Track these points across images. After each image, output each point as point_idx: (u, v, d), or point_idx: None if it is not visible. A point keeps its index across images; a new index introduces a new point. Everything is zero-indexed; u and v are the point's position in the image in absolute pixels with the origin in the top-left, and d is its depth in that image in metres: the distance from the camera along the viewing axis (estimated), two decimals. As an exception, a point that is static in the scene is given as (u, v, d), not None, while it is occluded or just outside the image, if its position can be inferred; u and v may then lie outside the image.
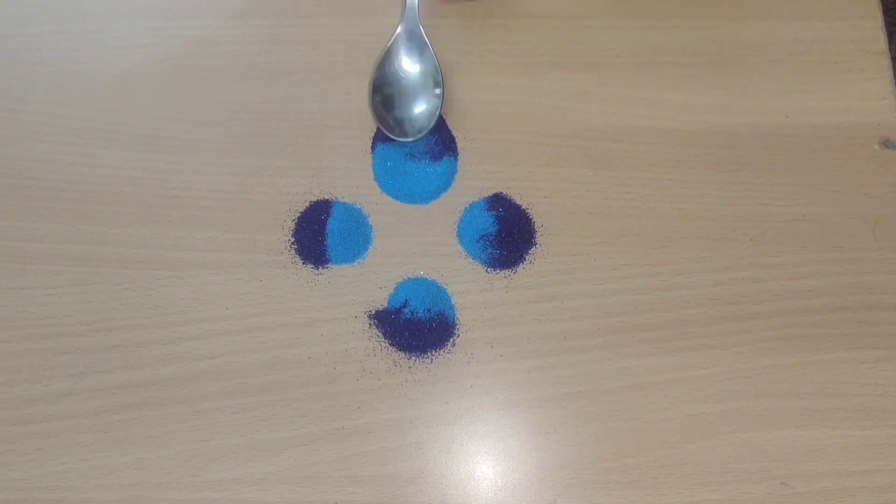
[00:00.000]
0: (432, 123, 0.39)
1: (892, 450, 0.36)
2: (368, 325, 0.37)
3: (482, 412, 0.36)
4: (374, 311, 0.37)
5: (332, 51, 0.42)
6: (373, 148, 0.40)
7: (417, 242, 0.38)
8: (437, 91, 0.39)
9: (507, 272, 0.38)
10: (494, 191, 0.39)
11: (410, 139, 0.39)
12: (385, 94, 0.40)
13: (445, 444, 0.36)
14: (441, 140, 0.40)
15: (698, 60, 0.42)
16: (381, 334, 0.37)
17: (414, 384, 0.36)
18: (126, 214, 0.39)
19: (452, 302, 0.37)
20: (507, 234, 0.38)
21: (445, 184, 0.39)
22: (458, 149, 0.40)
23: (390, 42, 0.40)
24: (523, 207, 0.39)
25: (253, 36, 0.42)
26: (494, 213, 0.39)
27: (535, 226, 0.39)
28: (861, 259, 0.38)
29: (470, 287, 0.38)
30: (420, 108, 0.39)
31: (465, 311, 0.37)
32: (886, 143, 0.40)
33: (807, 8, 0.42)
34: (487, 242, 0.38)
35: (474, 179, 0.39)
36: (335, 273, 0.38)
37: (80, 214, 0.39)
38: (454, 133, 0.40)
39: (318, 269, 0.38)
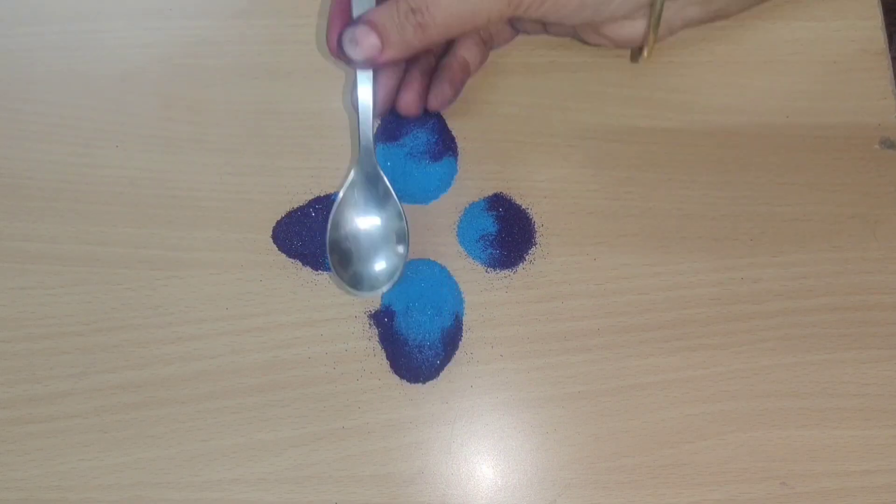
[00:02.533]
0: (393, 280, 0.35)
1: (892, 450, 0.36)
2: (368, 325, 0.37)
3: (482, 412, 0.36)
4: (373, 311, 0.37)
5: (332, 51, 0.42)
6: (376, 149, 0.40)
7: (417, 242, 0.38)
8: (401, 249, 0.35)
9: (507, 272, 0.38)
10: (494, 191, 0.39)
11: (366, 293, 0.35)
12: (342, 252, 0.35)
13: (445, 444, 0.36)
14: (441, 140, 0.40)
15: (698, 60, 0.42)
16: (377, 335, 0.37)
17: (414, 384, 0.36)
18: (126, 214, 0.39)
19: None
20: (507, 234, 0.38)
21: (445, 184, 0.39)
22: (458, 149, 0.40)
23: (343, 191, 0.35)
24: (523, 207, 0.39)
25: (253, 36, 0.42)
26: (494, 213, 0.39)
27: (535, 226, 0.39)
28: (861, 259, 0.38)
29: (470, 287, 0.38)
30: (380, 265, 0.35)
31: (466, 311, 0.37)
32: (886, 143, 0.40)
33: (807, 8, 0.42)
34: (487, 242, 0.38)
35: (474, 179, 0.39)
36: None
37: (80, 214, 0.39)
38: (454, 133, 0.40)
39: (317, 270, 0.38)
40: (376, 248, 0.35)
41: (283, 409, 0.36)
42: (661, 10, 0.31)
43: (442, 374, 0.37)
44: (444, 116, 0.40)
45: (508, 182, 0.39)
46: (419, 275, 0.37)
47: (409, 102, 0.36)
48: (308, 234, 0.38)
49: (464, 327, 0.37)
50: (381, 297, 0.37)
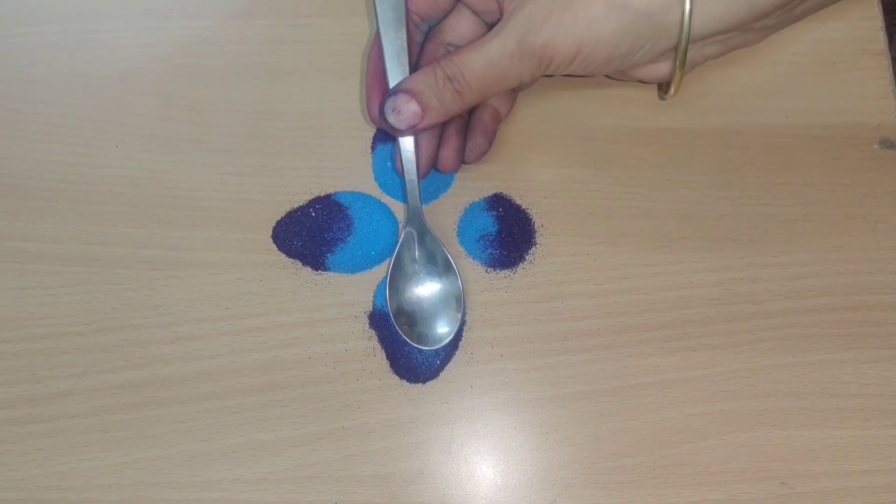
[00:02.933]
0: (448, 339, 0.36)
1: (892, 450, 0.36)
2: (368, 325, 0.37)
3: (482, 412, 0.36)
4: (372, 312, 0.37)
5: (332, 51, 0.42)
6: (373, 148, 0.40)
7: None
8: (459, 315, 0.36)
9: (507, 272, 0.38)
10: (494, 191, 0.39)
11: (428, 348, 0.36)
12: (407, 315, 0.36)
13: (445, 444, 0.36)
14: (441, 140, 0.40)
15: (698, 60, 0.42)
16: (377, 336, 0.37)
17: (414, 384, 0.36)
18: (126, 214, 0.39)
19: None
20: (507, 234, 0.38)
21: (445, 184, 0.39)
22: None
23: (395, 253, 0.37)
24: (523, 207, 0.39)
25: (253, 36, 0.42)
26: (494, 213, 0.39)
27: (535, 226, 0.39)
28: (861, 259, 0.38)
29: (470, 287, 0.38)
30: (442, 329, 0.36)
31: (466, 311, 0.37)
32: (886, 143, 0.40)
33: (807, 8, 0.42)
34: (487, 242, 0.38)
35: (474, 179, 0.39)
36: (335, 273, 0.38)
37: (80, 214, 0.39)
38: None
39: (317, 270, 0.38)
40: (437, 311, 0.36)
41: (283, 409, 0.36)
42: (685, 52, 0.32)
43: (442, 374, 0.37)
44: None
45: (508, 182, 0.39)
46: None
47: (448, 160, 0.37)
48: (308, 234, 0.38)
49: (464, 327, 0.37)
50: (379, 297, 0.37)
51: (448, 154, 0.37)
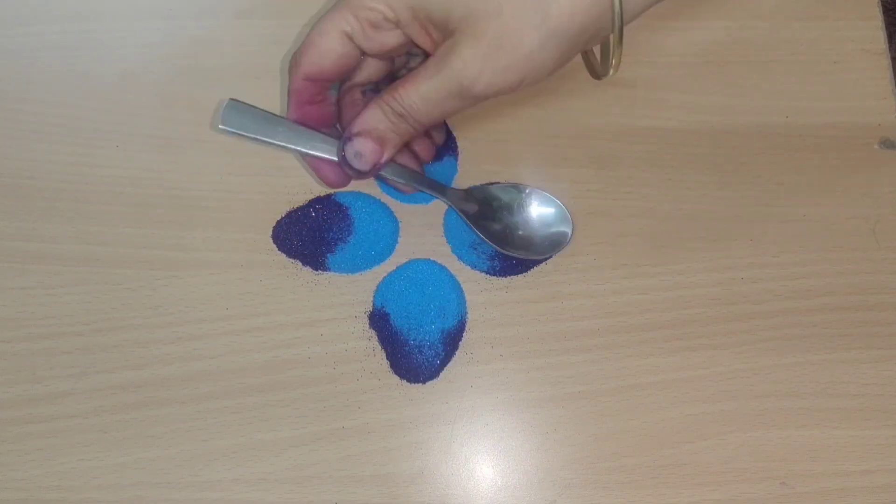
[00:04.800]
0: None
1: (892, 450, 0.36)
2: (368, 325, 0.37)
3: (482, 412, 0.36)
4: (372, 312, 0.37)
5: (332, 51, 0.42)
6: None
7: (417, 242, 0.38)
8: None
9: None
10: (494, 191, 0.39)
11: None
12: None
13: (445, 444, 0.36)
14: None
15: (698, 60, 0.42)
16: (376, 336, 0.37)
17: (414, 384, 0.36)
18: (126, 214, 0.39)
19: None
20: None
21: (445, 184, 0.39)
22: (458, 149, 0.40)
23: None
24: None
25: (253, 36, 0.42)
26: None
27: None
28: (861, 259, 0.38)
29: (470, 287, 0.38)
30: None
31: (466, 310, 0.37)
32: (886, 143, 0.40)
33: (807, 8, 0.42)
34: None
35: (474, 179, 0.39)
36: (335, 273, 0.38)
37: (80, 214, 0.39)
38: (454, 132, 0.40)
39: (317, 270, 0.38)
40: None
41: (283, 409, 0.36)
42: (621, 33, 0.30)
43: (442, 374, 0.37)
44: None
45: (508, 182, 0.39)
46: (420, 275, 0.37)
47: (424, 152, 0.38)
48: (308, 234, 0.38)
49: (464, 327, 0.37)
50: (379, 297, 0.37)
51: (422, 147, 0.37)
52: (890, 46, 0.43)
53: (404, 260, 0.38)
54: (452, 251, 0.38)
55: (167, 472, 0.35)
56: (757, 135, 0.40)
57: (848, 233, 0.39)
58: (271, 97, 0.41)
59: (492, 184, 0.39)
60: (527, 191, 0.38)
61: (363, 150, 0.32)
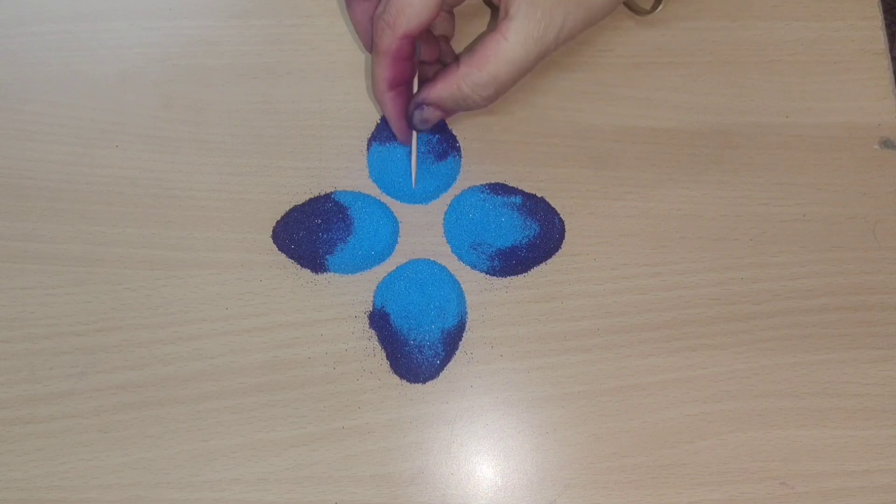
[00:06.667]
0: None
1: (892, 450, 0.36)
2: (368, 325, 0.37)
3: (482, 412, 0.36)
4: (372, 311, 0.37)
5: (331, 51, 0.42)
6: (368, 147, 0.40)
7: (417, 242, 0.38)
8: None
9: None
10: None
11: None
12: None
13: (445, 444, 0.36)
14: (443, 140, 0.40)
15: (698, 60, 0.42)
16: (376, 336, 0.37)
17: (414, 384, 0.36)
18: (126, 214, 0.39)
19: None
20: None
21: (445, 184, 0.39)
22: (461, 149, 0.40)
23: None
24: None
25: (253, 36, 0.42)
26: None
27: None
28: (861, 259, 0.38)
29: (470, 287, 0.38)
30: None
31: (466, 310, 0.37)
32: (886, 143, 0.40)
33: (807, 8, 0.42)
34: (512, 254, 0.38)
35: (474, 180, 0.39)
36: (335, 273, 0.38)
37: (80, 214, 0.39)
38: (455, 133, 0.40)
39: (317, 270, 0.38)
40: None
41: (283, 409, 0.36)
42: None
43: (442, 374, 0.37)
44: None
45: (509, 181, 0.39)
46: (420, 275, 0.37)
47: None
48: (307, 235, 0.38)
49: (464, 327, 0.37)
50: (379, 297, 0.37)
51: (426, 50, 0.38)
52: (890, 46, 0.42)
53: (404, 260, 0.38)
54: (452, 251, 0.38)
55: (167, 472, 0.35)
56: (757, 135, 0.40)
57: (848, 233, 0.39)
58: (271, 97, 0.41)
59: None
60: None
61: (430, 118, 0.35)
